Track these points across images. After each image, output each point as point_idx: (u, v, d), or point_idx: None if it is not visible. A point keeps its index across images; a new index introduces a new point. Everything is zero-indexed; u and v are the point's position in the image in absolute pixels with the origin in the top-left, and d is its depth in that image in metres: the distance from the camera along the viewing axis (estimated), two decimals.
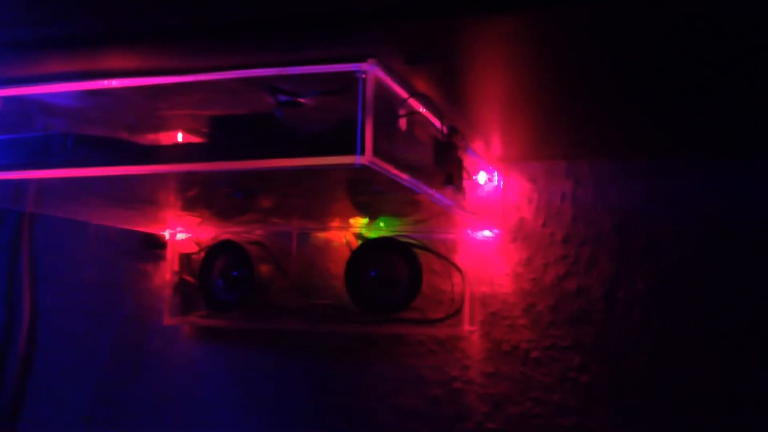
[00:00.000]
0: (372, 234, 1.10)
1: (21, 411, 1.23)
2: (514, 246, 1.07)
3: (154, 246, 1.19)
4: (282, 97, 0.62)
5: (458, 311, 1.05)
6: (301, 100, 0.67)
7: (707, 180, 1.01)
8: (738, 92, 0.78)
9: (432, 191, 0.75)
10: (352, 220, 1.10)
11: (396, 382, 1.09)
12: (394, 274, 1.04)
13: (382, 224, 1.10)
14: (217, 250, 1.11)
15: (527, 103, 0.85)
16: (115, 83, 0.67)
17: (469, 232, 1.06)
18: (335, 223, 1.10)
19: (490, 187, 1.05)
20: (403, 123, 0.67)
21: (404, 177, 0.67)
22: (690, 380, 0.98)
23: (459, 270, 1.06)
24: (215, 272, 1.11)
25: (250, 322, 1.11)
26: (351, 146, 0.60)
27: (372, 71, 0.60)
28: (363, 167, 0.59)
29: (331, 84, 0.65)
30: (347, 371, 1.11)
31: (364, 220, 1.09)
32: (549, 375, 1.04)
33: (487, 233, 1.07)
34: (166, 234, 1.18)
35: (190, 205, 1.04)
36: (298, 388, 1.13)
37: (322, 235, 1.13)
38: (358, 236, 1.11)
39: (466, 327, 1.03)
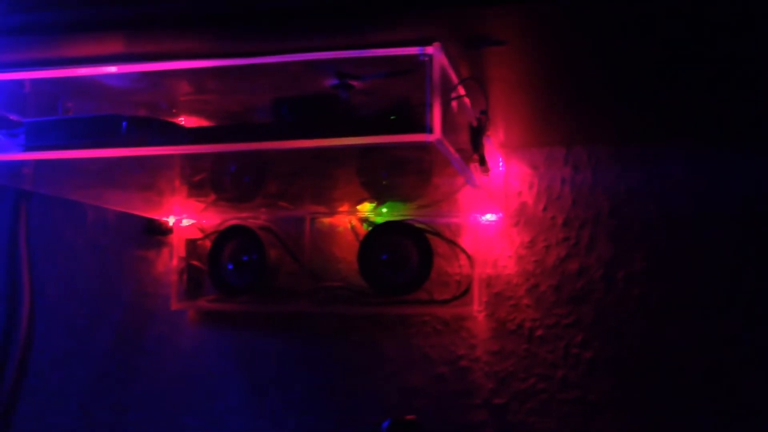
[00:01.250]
0: (378, 219, 1.13)
1: (18, 401, 1.22)
2: (516, 229, 1.11)
3: (157, 232, 1.20)
4: (346, 79, 0.65)
5: (466, 292, 1.09)
6: (353, 83, 0.71)
7: (696, 164, 1.07)
8: (726, 82, 0.85)
9: (470, 172, 0.79)
10: (359, 206, 1.12)
11: (403, 361, 1.12)
12: (406, 257, 1.07)
13: (384, 210, 1.13)
14: (227, 234, 1.13)
15: (538, 89, 0.89)
16: (175, 65, 0.69)
17: (476, 216, 1.10)
18: (342, 208, 1.13)
19: (493, 172, 1.09)
20: (454, 105, 0.70)
21: (456, 156, 0.71)
22: (684, 354, 1.04)
23: (466, 253, 1.10)
24: (225, 257, 1.13)
25: (260, 306, 1.13)
26: (417, 125, 0.64)
27: (437, 54, 0.63)
28: (431, 145, 0.63)
29: (390, 67, 0.68)
30: (354, 352, 1.14)
31: (370, 206, 1.12)
32: (552, 352, 1.09)
33: (489, 217, 1.11)
34: (170, 220, 1.19)
35: (200, 190, 1.06)
36: (304, 370, 1.16)
37: (326, 220, 1.16)
38: (363, 221, 1.14)
39: (476, 307, 1.07)
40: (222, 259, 1.13)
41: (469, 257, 1.10)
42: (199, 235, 1.18)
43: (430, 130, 0.62)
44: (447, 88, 0.66)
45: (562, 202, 1.11)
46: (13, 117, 0.84)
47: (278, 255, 1.14)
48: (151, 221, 1.20)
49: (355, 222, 1.15)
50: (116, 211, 1.24)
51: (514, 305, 1.10)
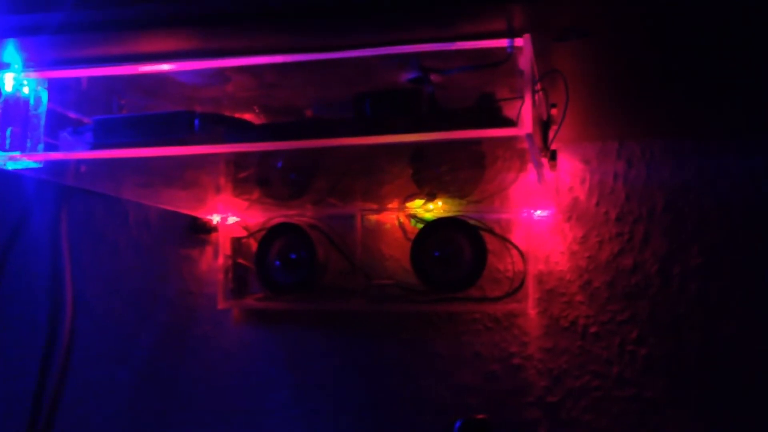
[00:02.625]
0: (426, 215, 1.12)
1: (60, 401, 1.21)
2: (568, 225, 1.10)
3: (201, 231, 1.19)
4: (429, 73, 0.64)
5: (518, 289, 1.07)
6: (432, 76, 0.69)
7: (751, 159, 1.05)
8: None
9: (542, 168, 0.78)
10: (408, 202, 1.11)
11: (454, 359, 1.11)
12: (459, 254, 1.06)
13: (431, 206, 1.11)
14: (275, 232, 1.11)
15: (600, 83, 0.88)
16: (253, 61, 0.67)
17: (527, 211, 1.08)
18: (391, 205, 1.11)
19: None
20: (536, 98, 0.69)
21: (536, 150, 0.69)
22: (741, 350, 1.03)
23: (519, 250, 1.08)
24: (272, 255, 1.11)
25: (310, 304, 1.11)
26: (500, 119, 0.62)
27: (527, 47, 0.62)
28: (521, 139, 0.61)
29: (471, 59, 0.66)
30: (405, 350, 1.13)
31: (419, 202, 1.10)
32: (607, 349, 1.07)
33: (540, 213, 1.09)
34: (214, 218, 1.17)
35: (246, 188, 1.04)
36: (352, 369, 1.14)
37: (372, 217, 1.14)
38: (412, 217, 1.13)
39: (531, 304, 1.06)
40: (269, 257, 1.11)
41: (522, 254, 1.08)
42: (244, 233, 1.17)
43: (521, 125, 0.61)
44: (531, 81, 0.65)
45: (615, 197, 1.09)
46: (71, 114, 0.83)
47: (325, 252, 1.12)
48: (195, 219, 1.19)
49: (402, 218, 1.14)
50: (157, 210, 1.22)
51: (567, 302, 1.09)
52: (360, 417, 1.13)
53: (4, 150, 0.72)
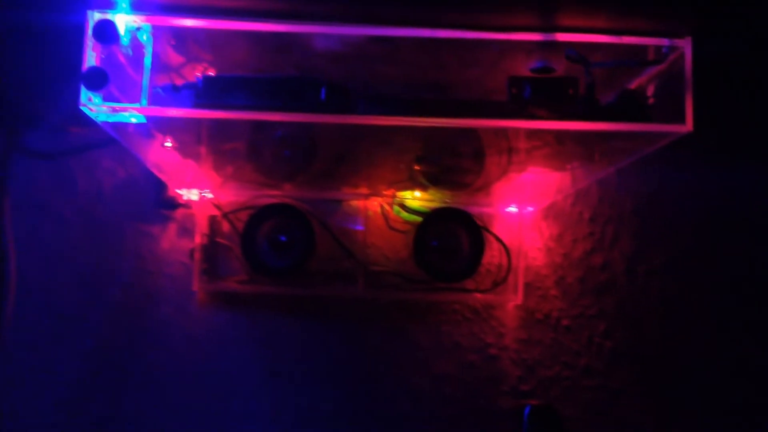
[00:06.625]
0: (412, 204, 1.12)
1: None
2: (545, 223, 1.15)
3: (168, 206, 1.10)
4: (590, 66, 0.65)
5: (504, 279, 1.11)
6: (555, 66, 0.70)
7: (709, 172, 1.17)
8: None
9: None
10: (395, 190, 1.10)
11: (432, 349, 1.12)
12: (458, 244, 1.07)
13: (410, 195, 1.12)
14: (265, 213, 1.06)
15: None
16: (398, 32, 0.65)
17: (509, 207, 1.12)
18: (387, 192, 1.10)
19: None
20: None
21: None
22: (700, 343, 1.13)
23: (504, 245, 1.12)
24: (261, 236, 1.06)
25: (300, 289, 1.07)
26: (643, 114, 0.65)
27: (688, 48, 0.65)
28: (686, 134, 0.64)
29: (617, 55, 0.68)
30: (384, 339, 1.12)
31: (408, 192, 1.10)
32: (577, 341, 1.13)
33: (530, 208, 1.14)
34: (184, 194, 1.10)
35: (237, 162, 0.99)
36: (328, 356, 1.12)
37: (355, 203, 1.13)
38: (398, 205, 1.12)
39: (520, 295, 1.10)
40: (258, 239, 1.06)
41: (506, 249, 1.12)
42: (215, 211, 1.11)
43: (685, 121, 0.64)
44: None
45: (589, 199, 1.16)
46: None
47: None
48: (160, 194, 1.10)
49: (386, 206, 1.13)
50: (111, 180, 1.12)
51: (542, 296, 1.14)
52: (336, 404, 1.11)
53: (106, 99, 0.64)
